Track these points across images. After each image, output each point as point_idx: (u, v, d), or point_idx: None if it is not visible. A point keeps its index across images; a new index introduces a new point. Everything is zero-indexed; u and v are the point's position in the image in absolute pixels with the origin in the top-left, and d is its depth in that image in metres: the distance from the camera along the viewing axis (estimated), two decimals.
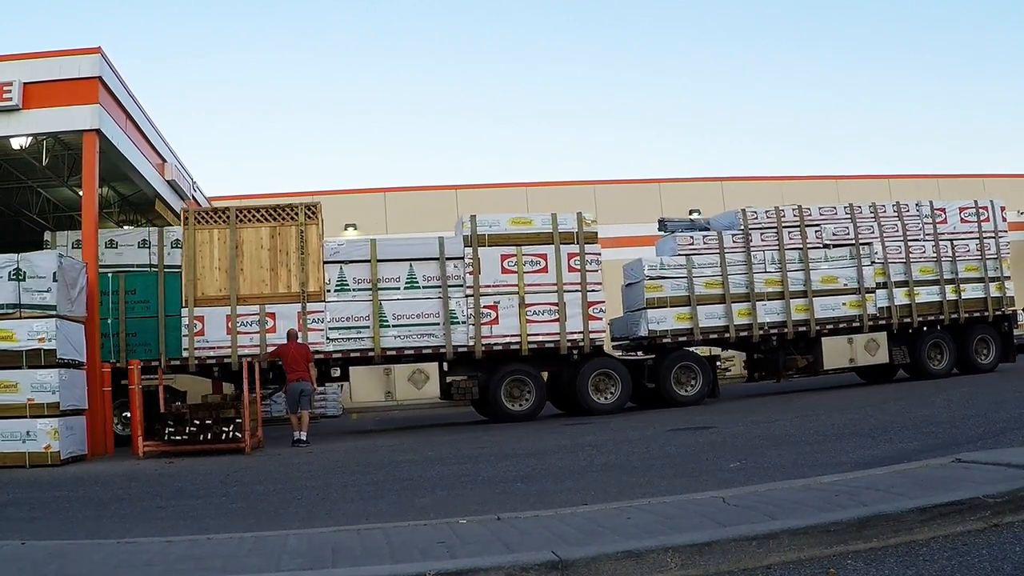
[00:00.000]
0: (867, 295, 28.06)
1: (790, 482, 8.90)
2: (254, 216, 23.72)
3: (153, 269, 23.46)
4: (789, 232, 27.79)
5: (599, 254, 25.61)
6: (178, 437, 19.50)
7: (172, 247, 23.56)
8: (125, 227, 26.74)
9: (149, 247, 23.51)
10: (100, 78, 21.83)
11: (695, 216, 30.66)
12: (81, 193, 24.00)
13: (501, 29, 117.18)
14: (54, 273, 18.84)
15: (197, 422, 19.54)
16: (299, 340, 22.19)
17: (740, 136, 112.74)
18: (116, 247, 23.35)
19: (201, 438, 19.43)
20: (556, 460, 14.27)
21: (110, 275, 23.18)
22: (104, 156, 22.58)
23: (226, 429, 19.50)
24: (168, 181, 27.85)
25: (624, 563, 6.13)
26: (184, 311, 23.10)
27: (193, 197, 31.50)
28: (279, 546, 7.30)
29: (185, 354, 23.08)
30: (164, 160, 27.67)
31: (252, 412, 20.41)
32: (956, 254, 29.34)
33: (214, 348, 23.07)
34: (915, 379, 28.47)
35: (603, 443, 16.52)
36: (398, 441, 20.81)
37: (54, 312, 18.76)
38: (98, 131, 21.73)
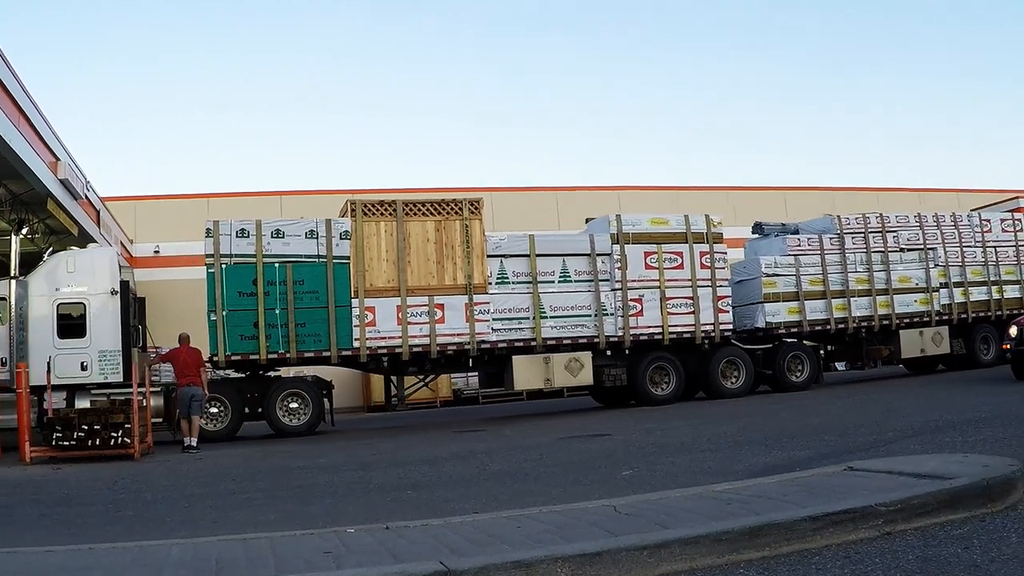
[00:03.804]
0: (933, 293, 31.13)
1: (683, 490, 8.88)
2: (419, 210, 24.77)
3: (321, 260, 23.53)
4: (873, 237, 30.55)
5: (725, 253, 28.08)
6: (66, 443, 19.11)
7: (341, 238, 23.73)
8: (290, 217, 26.33)
9: (317, 238, 23.48)
10: None
11: (785, 222, 33.24)
12: None
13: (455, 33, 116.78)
14: None
15: (85, 427, 19.15)
16: (191, 344, 21.95)
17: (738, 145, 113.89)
18: (283, 237, 23.32)
19: (90, 444, 19.05)
20: (449, 468, 14.20)
21: (277, 265, 23.33)
22: None
23: (115, 434, 19.14)
24: (61, 180, 27.34)
25: (513, 573, 6.04)
26: (355, 302, 23.86)
27: (86, 196, 30.99)
28: (163, 556, 7.12)
29: (356, 344, 23.83)
30: (57, 158, 27.17)
31: (142, 417, 20.13)
32: (999, 259, 32.92)
33: (385, 339, 24.03)
34: (965, 369, 31.02)
35: (496, 450, 16.49)
36: (290, 448, 20.61)
37: None
38: None
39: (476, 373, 28.90)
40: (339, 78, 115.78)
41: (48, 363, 22.46)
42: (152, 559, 7.05)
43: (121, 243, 35.52)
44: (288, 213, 32.41)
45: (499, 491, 10.94)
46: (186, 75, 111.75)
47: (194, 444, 20.77)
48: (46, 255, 26.54)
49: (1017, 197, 48.02)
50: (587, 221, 33.70)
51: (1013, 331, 22.59)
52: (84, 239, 31.40)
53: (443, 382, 38.67)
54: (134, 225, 39.77)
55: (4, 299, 23.68)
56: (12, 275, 24.25)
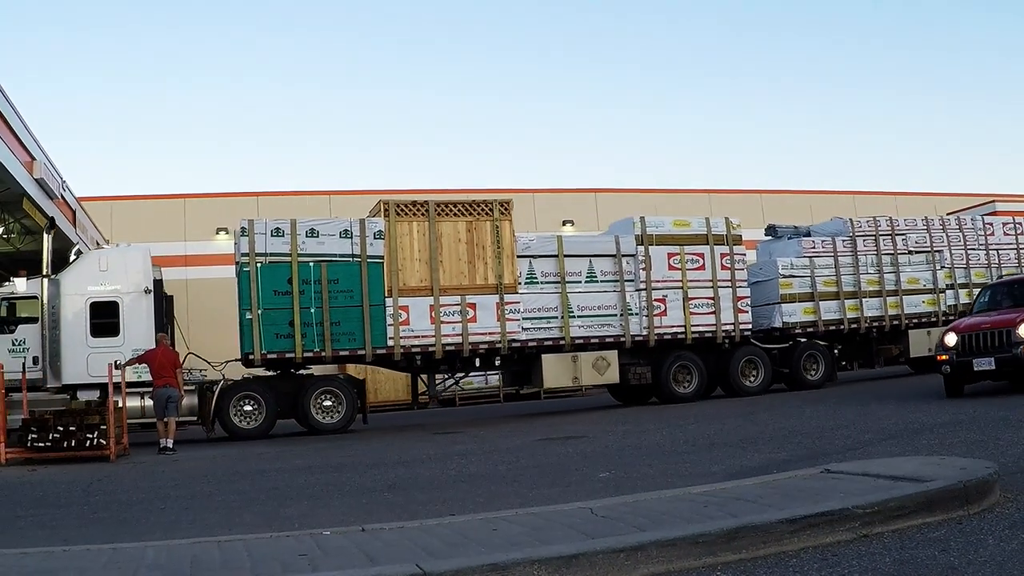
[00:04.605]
0: (939, 295, 31.64)
1: (659, 493, 8.87)
2: (450, 210, 25.05)
3: (355, 259, 23.70)
4: (883, 240, 31.06)
5: (744, 254, 28.68)
6: (41, 444, 18.97)
7: (375, 238, 23.90)
8: (326, 216, 26.35)
9: (351, 237, 23.66)
10: None
11: (797, 224, 34.22)
12: None
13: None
14: None
15: (61, 428, 19.03)
16: (168, 345, 21.87)
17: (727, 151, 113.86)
18: (317, 236, 23.49)
19: (65, 445, 18.90)
20: (425, 469, 14.20)
21: (311, 264, 23.39)
22: None
23: (90, 436, 19.01)
24: (37, 179, 27.18)
25: None
26: (389, 301, 24.01)
27: (62, 196, 30.84)
28: (137, 558, 7.07)
29: (391, 343, 23.97)
30: (33, 158, 27.00)
31: (117, 418, 20.00)
32: (1001, 261, 33.39)
33: (419, 337, 24.25)
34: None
35: (473, 452, 16.49)
36: (267, 449, 20.52)
37: None
38: None
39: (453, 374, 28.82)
40: (313, 85, 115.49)
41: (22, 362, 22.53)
42: (126, 561, 7.00)
43: (97, 243, 35.28)
44: (264, 214, 32.24)
45: (475, 493, 10.93)
46: (174, 75, 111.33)
47: (170, 445, 20.68)
48: (72, 253, 26.57)
49: (993, 201, 48.36)
50: (564, 223, 33.85)
51: (951, 339, 19.84)
52: (60, 239, 31.26)
53: (420, 384, 38.72)
54: (110, 225, 39.53)
55: (36, 297, 23.74)
56: (44, 273, 24.19)
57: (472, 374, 28.19)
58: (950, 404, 17.93)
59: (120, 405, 20.64)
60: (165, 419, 20.96)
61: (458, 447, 17.84)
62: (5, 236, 30.76)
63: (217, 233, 40.02)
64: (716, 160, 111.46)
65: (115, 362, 21.27)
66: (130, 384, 22.59)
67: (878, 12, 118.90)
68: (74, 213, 33.03)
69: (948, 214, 38.25)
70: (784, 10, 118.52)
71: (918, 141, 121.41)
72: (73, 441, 18.97)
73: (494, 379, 36.71)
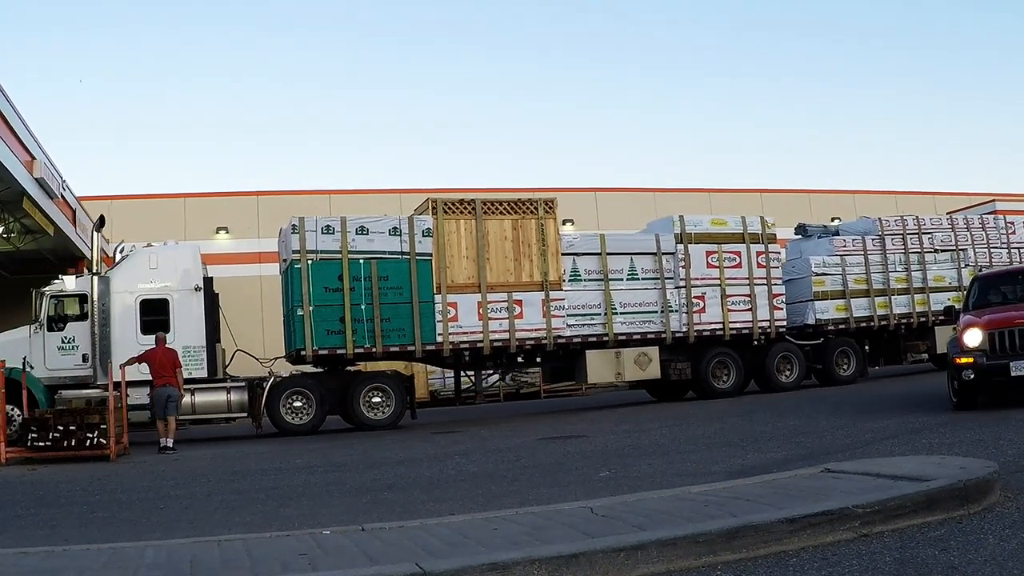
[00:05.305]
0: (964, 292, 30.07)
1: (659, 492, 8.87)
2: (497, 209, 25.39)
3: (404, 256, 24.10)
4: (910, 238, 31.62)
5: (779, 253, 29.89)
6: (42, 443, 18.94)
7: (423, 236, 24.28)
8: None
9: (400, 235, 24.09)
10: None
11: (826, 223, 35.05)
12: None
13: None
14: None
15: (61, 428, 18.99)
16: (167, 344, 21.84)
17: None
18: (367, 234, 23.88)
19: (65, 444, 18.86)
20: (425, 469, 14.18)
21: (362, 261, 23.88)
22: None
23: (91, 435, 18.97)
24: (37, 179, 27.16)
25: (489, 575, 6.05)
26: (437, 298, 24.40)
27: (62, 195, 30.82)
28: (137, 558, 7.06)
29: (440, 339, 24.39)
30: (33, 157, 26.98)
31: (118, 418, 19.98)
32: (1023, 260, 33.47)
33: (467, 333, 24.66)
34: None
35: (473, 452, 16.47)
36: (267, 448, 20.53)
37: None
38: None
39: (454, 372, 28.86)
40: (321, 82, 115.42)
41: (24, 361, 22.51)
42: (126, 561, 7.00)
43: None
44: (264, 213, 32.44)
45: (475, 493, 10.93)
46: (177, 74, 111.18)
47: (170, 445, 20.66)
48: (118, 251, 26.61)
49: (993, 200, 48.42)
50: (564, 223, 34.03)
51: (975, 338, 15.79)
52: (60, 238, 31.27)
53: (420, 383, 38.80)
54: (110, 224, 39.41)
55: (85, 294, 23.80)
56: (94, 271, 24.23)
57: (469, 372, 28.15)
58: (950, 404, 17.73)
59: (121, 404, 20.63)
60: (165, 418, 20.94)
61: (458, 446, 17.81)
62: (5, 235, 30.77)
63: (217, 232, 39.88)
64: (716, 160, 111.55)
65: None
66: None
67: (878, 12, 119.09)
68: (74, 212, 33.05)
69: (948, 213, 38.42)
70: (784, 10, 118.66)
71: (918, 141, 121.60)
72: (73, 440, 18.93)
73: (494, 377, 36.69)
